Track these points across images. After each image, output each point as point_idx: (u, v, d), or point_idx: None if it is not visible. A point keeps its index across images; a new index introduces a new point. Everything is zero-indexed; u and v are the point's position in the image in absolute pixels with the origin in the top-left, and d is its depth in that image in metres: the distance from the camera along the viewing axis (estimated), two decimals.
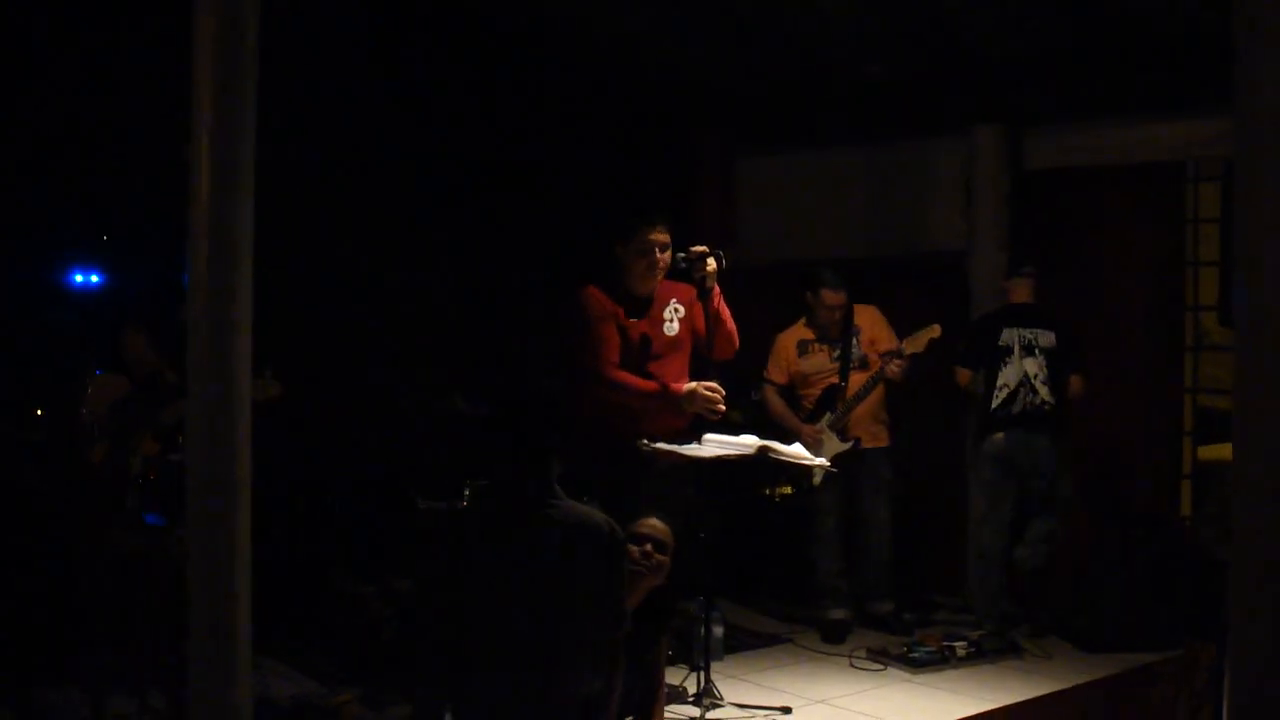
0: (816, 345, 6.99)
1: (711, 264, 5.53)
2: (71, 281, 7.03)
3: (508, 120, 8.00)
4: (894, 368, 6.70)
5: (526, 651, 3.68)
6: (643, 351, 5.72)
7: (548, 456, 3.85)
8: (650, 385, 5.63)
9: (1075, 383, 6.89)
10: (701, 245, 5.59)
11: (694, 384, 5.63)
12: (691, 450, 5.22)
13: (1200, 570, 6.50)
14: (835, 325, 6.93)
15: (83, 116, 6.41)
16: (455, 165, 7.86)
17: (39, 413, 6.39)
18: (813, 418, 6.91)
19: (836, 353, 6.93)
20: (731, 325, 5.77)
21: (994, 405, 6.90)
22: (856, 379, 6.86)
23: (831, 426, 6.83)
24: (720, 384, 5.66)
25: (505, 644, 3.69)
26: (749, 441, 5.17)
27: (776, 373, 7.07)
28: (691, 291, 5.75)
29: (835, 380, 6.90)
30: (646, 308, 5.78)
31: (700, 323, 5.75)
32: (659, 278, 5.74)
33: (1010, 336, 6.91)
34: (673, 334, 5.80)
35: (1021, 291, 7.03)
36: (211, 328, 4.49)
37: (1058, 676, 6.23)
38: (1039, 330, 6.88)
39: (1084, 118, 7.65)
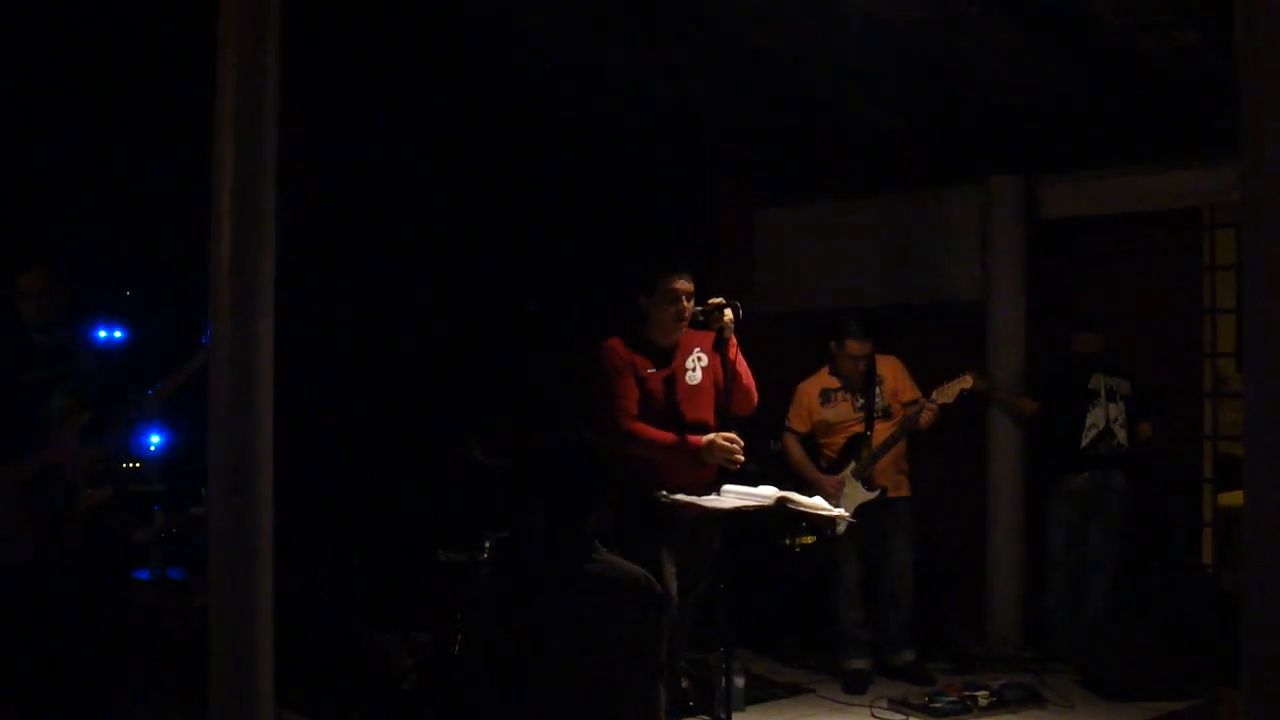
0: (840, 394, 7.01)
1: (729, 314, 5.49)
2: (95, 337, 7.07)
3: (527, 172, 8.07)
4: (925, 417, 6.75)
5: (566, 705, 3.66)
6: (667, 401, 5.71)
7: (588, 509, 3.79)
8: (667, 436, 5.61)
9: (1145, 429, 7.46)
10: (717, 297, 5.59)
11: (712, 435, 5.60)
12: (710, 502, 5.21)
13: (1224, 617, 6.46)
14: (859, 375, 6.94)
15: (104, 168, 6.49)
16: (472, 216, 7.92)
17: None
18: (836, 466, 6.91)
19: (860, 402, 6.94)
20: (749, 380, 5.73)
21: (1083, 444, 7.33)
22: (880, 429, 6.88)
23: (856, 475, 6.83)
24: (739, 434, 5.65)
25: (545, 698, 3.66)
26: (767, 492, 5.14)
27: (798, 421, 7.07)
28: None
29: (860, 429, 6.91)
30: (668, 357, 5.76)
31: (721, 373, 5.73)
32: (684, 328, 5.75)
33: (1098, 382, 7.36)
34: (695, 383, 5.77)
35: (1095, 342, 7.47)
36: (233, 380, 4.54)
37: None
38: (1119, 379, 7.41)
39: (1099, 166, 7.68)
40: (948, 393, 6.73)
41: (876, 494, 6.83)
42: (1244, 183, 3.25)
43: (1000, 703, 6.38)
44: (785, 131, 8.36)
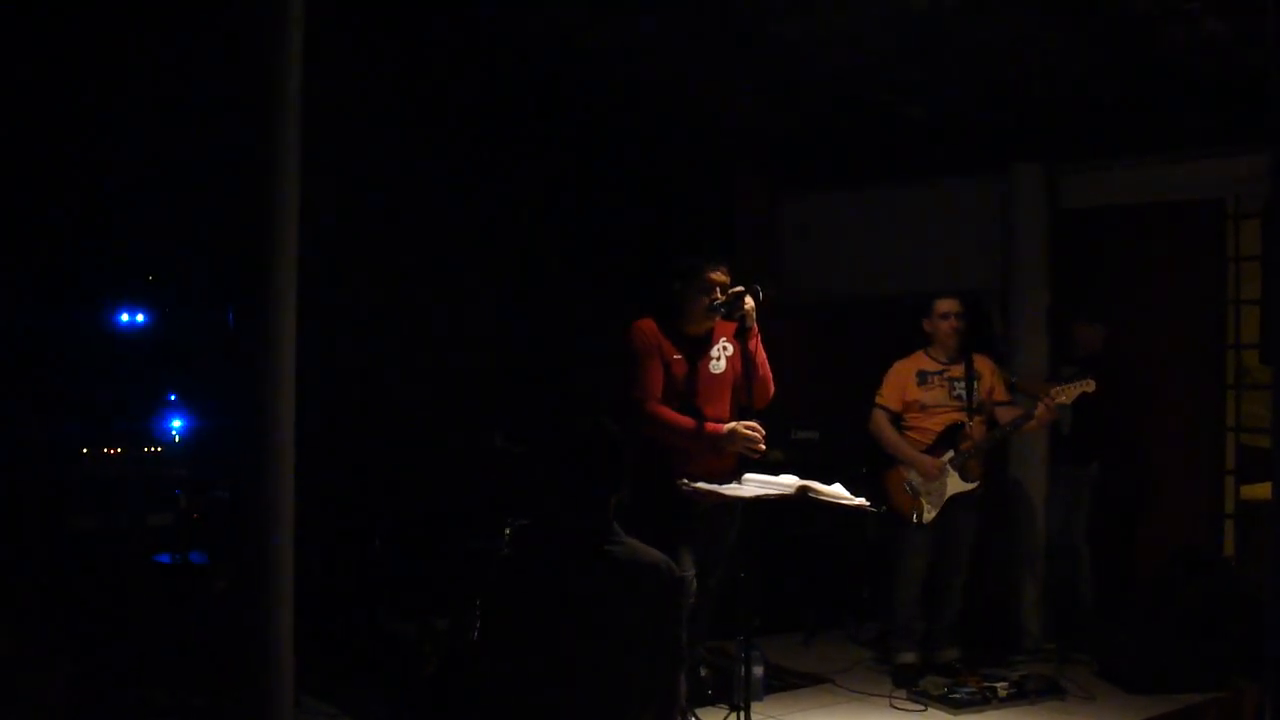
0: (938, 378, 6.88)
1: (750, 302, 5.48)
2: (118, 321, 7.07)
3: (551, 161, 8.06)
4: (1042, 413, 6.67)
5: (585, 690, 3.65)
6: (688, 388, 5.70)
7: (609, 494, 3.79)
8: (687, 422, 5.60)
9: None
10: (737, 286, 5.57)
11: (734, 423, 5.59)
12: (731, 490, 5.20)
13: (1245, 610, 6.44)
14: (954, 336, 6.85)
15: (130, 156, 6.50)
16: (497, 203, 7.92)
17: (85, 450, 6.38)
18: (932, 452, 6.80)
19: (957, 390, 6.86)
20: (766, 372, 5.70)
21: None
22: (975, 423, 6.80)
23: (954, 465, 6.74)
24: (760, 423, 5.63)
25: (564, 683, 3.65)
26: (788, 481, 5.13)
27: (892, 398, 6.93)
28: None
29: (957, 418, 6.81)
30: (697, 346, 5.76)
31: (741, 363, 5.70)
32: (712, 318, 5.74)
33: None
34: (719, 372, 5.75)
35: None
36: (256, 363, 4.53)
37: (1101, 718, 6.18)
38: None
39: (1123, 155, 7.64)
40: (1069, 393, 6.64)
41: (973, 486, 6.78)
42: (1274, 172, 3.22)
43: (1020, 694, 6.37)
44: (808, 120, 8.34)
